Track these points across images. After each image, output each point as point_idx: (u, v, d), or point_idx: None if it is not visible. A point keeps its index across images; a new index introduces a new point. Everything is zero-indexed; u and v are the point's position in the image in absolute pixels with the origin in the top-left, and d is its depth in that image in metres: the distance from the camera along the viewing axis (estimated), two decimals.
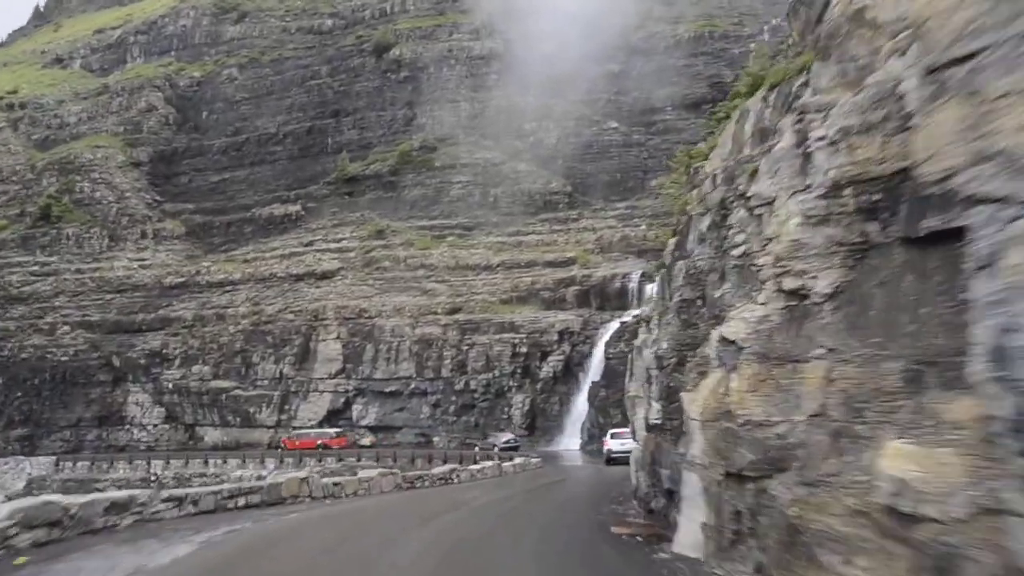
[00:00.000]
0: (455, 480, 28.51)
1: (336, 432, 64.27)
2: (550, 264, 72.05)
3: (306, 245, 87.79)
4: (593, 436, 55.02)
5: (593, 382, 56.67)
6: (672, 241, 16.19)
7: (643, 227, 75.17)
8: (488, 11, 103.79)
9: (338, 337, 73.49)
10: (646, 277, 62.49)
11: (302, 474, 20.53)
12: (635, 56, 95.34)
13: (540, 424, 59.62)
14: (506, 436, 56.27)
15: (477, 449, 54.24)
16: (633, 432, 20.16)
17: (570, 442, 57.45)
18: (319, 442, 62.24)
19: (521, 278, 70.94)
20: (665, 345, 12.91)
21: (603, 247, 73.67)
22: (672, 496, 12.10)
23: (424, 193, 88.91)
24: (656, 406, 12.29)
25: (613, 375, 53.22)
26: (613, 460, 36.94)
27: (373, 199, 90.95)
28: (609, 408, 52.34)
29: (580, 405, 57.70)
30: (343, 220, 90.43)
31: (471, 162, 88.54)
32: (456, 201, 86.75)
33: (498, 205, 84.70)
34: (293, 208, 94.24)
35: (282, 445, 64.59)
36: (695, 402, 10.16)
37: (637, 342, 19.35)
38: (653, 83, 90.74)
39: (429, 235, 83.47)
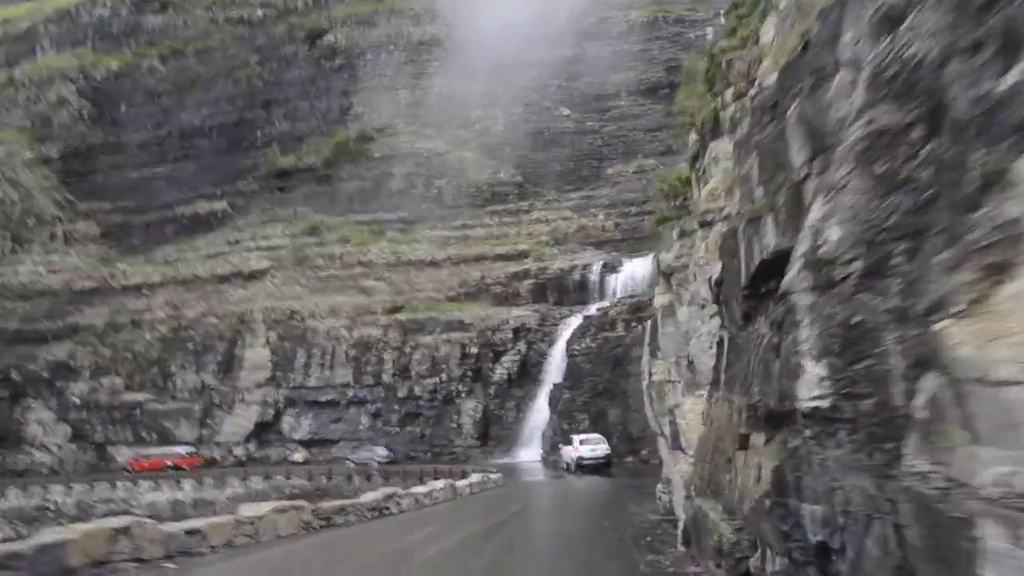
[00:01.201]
0: (393, 511, 21.13)
1: (188, 452, 58.66)
2: (501, 257, 65.86)
3: (232, 244, 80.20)
4: (555, 445, 48.92)
5: (554, 384, 50.65)
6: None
7: (600, 217, 69.61)
8: None
9: (267, 342, 66.17)
10: (608, 268, 56.85)
11: (115, 523, 12.04)
12: (587, 41, 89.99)
13: (494, 433, 53.17)
14: (380, 451, 50.05)
15: (350, 464, 48.13)
16: (677, 437, 13.82)
17: (529, 453, 51.28)
18: (168, 463, 56.42)
19: (469, 273, 64.65)
20: (838, 235, 6.02)
21: (558, 239, 67.75)
22: (828, 555, 5.69)
23: (362, 186, 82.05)
24: (814, 371, 5.67)
25: (578, 375, 47.33)
26: (583, 468, 34.63)
27: (306, 194, 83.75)
28: (575, 412, 46.47)
29: (540, 411, 51.55)
30: (274, 217, 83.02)
31: (412, 152, 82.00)
32: (397, 194, 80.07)
33: (443, 197, 78.32)
34: (219, 205, 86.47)
35: (129, 468, 57.95)
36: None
37: (663, 300, 13.18)
38: (607, 69, 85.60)
39: (367, 230, 76.58)
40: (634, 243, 63.04)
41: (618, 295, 51.67)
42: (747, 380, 8.51)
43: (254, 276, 73.89)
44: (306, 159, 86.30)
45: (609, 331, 46.77)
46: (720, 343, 11.75)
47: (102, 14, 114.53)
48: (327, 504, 18.65)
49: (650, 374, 28.47)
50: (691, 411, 15.80)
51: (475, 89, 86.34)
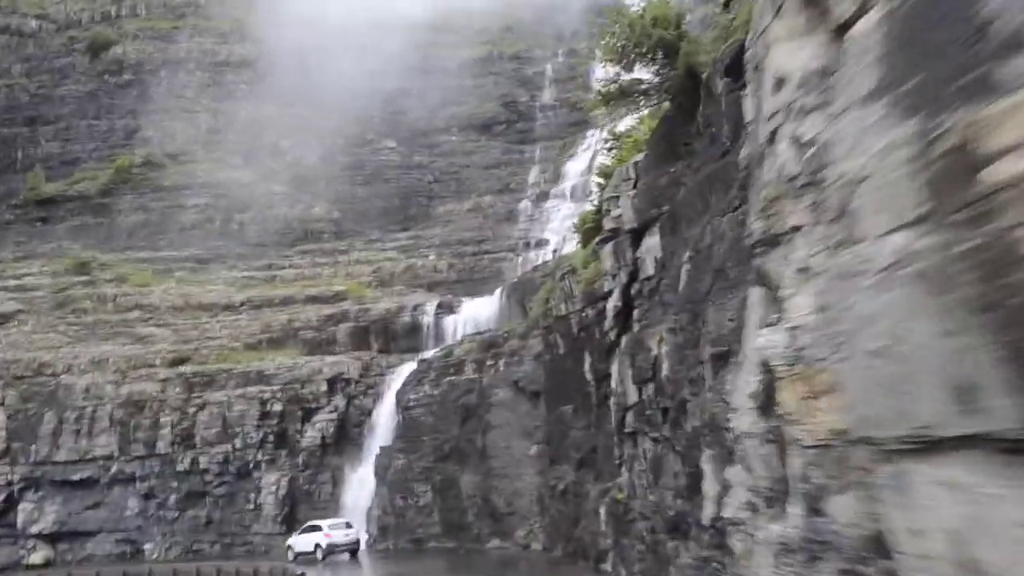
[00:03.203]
0: None
1: None
2: (313, 300, 55.28)
3: None
4: (387, 527, 38.85)
5: (382, 448, 40.46)
6: None
7: (432, 257, 60.88)
8: (238, 17, 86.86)
9: (2, 403, 51.39)
10: (444, 309, 47.97)
11: None
12: (414, 74, 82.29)
13: (304, 515, 41.87)
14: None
15: None
16: None
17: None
18: None
19: (275, 317, 53.48)
20: None
21: (382, 280, 58.18)
22: None
23: (146, 219, 69.04)
24: None
25: (415, 432, 37.66)
26: (335, 553, 34.95)
27: (76, 226, 69.54)
28: (412, 483, 36.64)
29: (364, 483, 41.09)
30: (31, 252, 67.94)
31: (211, 182, 70.07)
32: (189, 229, 67.73)
33: (245, 233, 66.93)
34: None
35: None
36: None
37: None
38: (436, 103, 78.19)
39: (150, 269, 63.56)
40: (471, 285, 54.70)
41: (460, 338, 42.80)
42: None
43: None
44: (78, 186, 72.14)
45: (455, 375, 37.54)
46: None
47: None
48: None
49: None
50: None
51: (287, 116, 76.08)
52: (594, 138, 67.81)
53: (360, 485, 40.84)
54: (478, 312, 46.44)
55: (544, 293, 32.67)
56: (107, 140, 76.73)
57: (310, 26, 79.39)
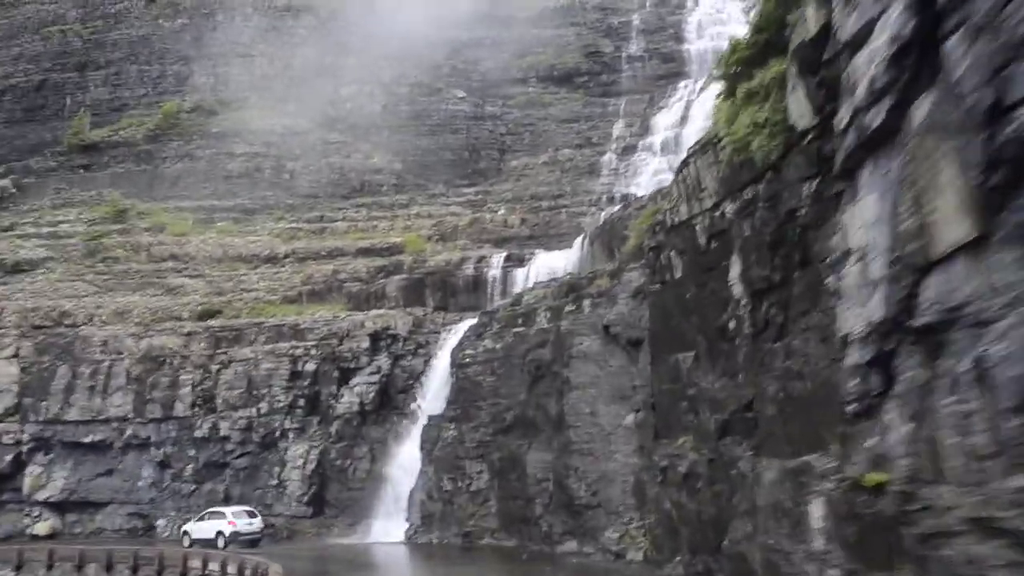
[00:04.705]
0: None
1: None
2: (365, 252, 48.21)
3: (5, 230, 59.43)
4: (431, 516, 31.27)
5: (431, 417, 32.83)
6: None
7: (502, 211, 53.27)
8: None
9: (16, 355, 45.80)
10: (513, 262, 40.22)
11: None
12: (486, 23, 74.90)
13: (333, 495, 34.71)
14: None
15: None
16: None
17: (389, 528, 33.15)
18: None
19: (320, 268, 46.62)
20: None
21: (444, 235, 50.70)
22: None
23: (192, 166, 63.28)
24: None
25: (471, 396, 29.86)
26: (239, 542, 32.37)
27: (118, 174, 64.29)
28: (463, 461, 28.86)
29: (407, 459, 33.51)
30: (69, 200, 62.93)
31: (262, 129, 63.95)
32: (236, 177, 61.68)
33: (296, 184, 60.59)
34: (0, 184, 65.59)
35: None
36: None
37: None
38: (511, 53, 70.75)
39: (191, 219, 57.66)
40: (547, 241, 46.86)
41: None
42: None
43: (20, 269, 53.45)
44: (123, 132, 66.98)
45: (524, 325, 29.47)
46: None
47: None
48: None
49: None
50: None
51: (349, 64, 69.70)
52: (687, 89, 60.01)
53: (402, 463, 33.27)
54: (554, 265, 38.53)
55: (645, 217, 24.54)
56: (157, 86, 71.60)
57: None
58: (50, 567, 29.01)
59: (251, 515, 34.33)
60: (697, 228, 17.34)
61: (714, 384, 16.34)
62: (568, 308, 27.36)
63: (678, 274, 18.58)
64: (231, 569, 21.61)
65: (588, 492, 25.68)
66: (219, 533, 32.96)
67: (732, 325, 15.48)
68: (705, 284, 17.24)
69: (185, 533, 34.60)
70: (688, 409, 17.74)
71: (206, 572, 22.78)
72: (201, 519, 34.73)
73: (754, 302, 14.43)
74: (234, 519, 33.63)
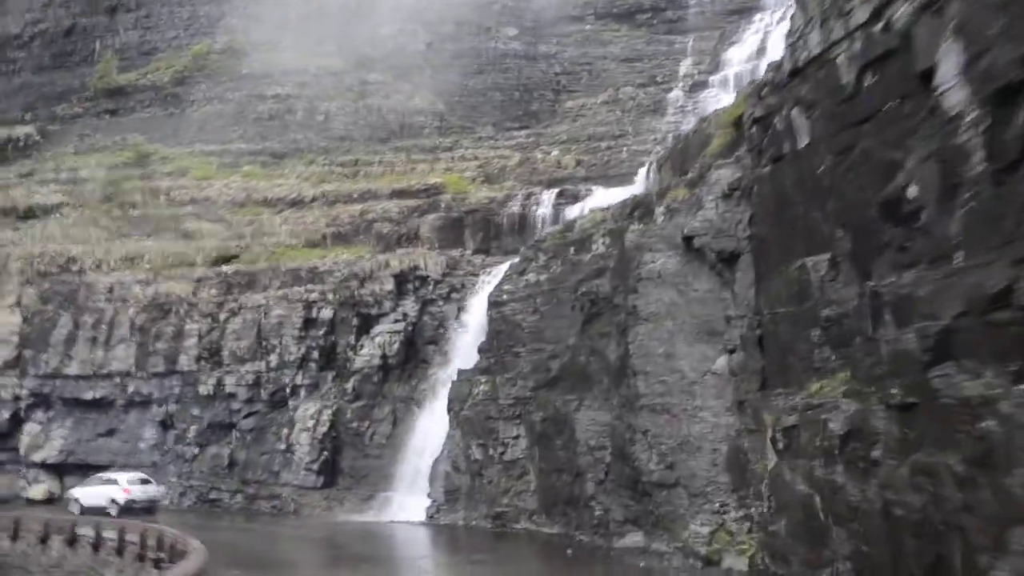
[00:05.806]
0: None
1: None
2: (399, 194, 42.79)
3: (24, 176, 55.78)
4: (457, 491, 25.73)
5: (461, 371, 27.22)
6: None
7: (555, 152, 47.37)
8: None
9: (18, 303, 41.76)
10: (567, 199, 34.28)
11: None
12: None
13: (348, 464, 29.40)
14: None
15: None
16: None
17: (410, 504, 27.73)
18: None
19: (348, 209, 41.43)
20: None
21: (490, 176, 44.99)
22: None
23: (220, 109, 58.70)
24: None
25: (506, 344, 24.12)
26: (133, 511, 29.47)
27: (145, 119, 60.24)
28: (497, 422, 23.11)
29: (433, 422, 28.03)
30: (93, 145, 59.04)
31: (295, 69, 59.04)
32: (267, 120, 56.89)
33: (330, 126, 55.59)
34: (23, 131, 62.00)
35: None
36: None
37: None
38: None
39: (216, 163, 53.07)
40: (605, 182, 40.87)
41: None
42: None
43: (32, 214, 49.60)
44: (151, 76, 62.78)
45: (578, 253, 23.35)
46: None
47: None
48: None
49: None
50: None
51: (389, 3, 64.38)
52: (763, 23, 53.44)
53: (426, 426, 27.77)
54: (614, 201, 32.45)
55: (733, 110, 18.37)
56: (188, 28, 67.28)
57: None
58: None
59: (144, 481, 32.59)
60: (840, 61, 11.35)
61: (898, 281, 10.16)
62: (634, 226, 20.99)
63: (803, 141, 12.63)
64: (150, 542, 17.17)
65: (661, 465, 18.85)
66: (112, 501, 31.03)
67: (914, 191, 9.50)
68: (851, 147, 11.27)
69: (75, 500, 32.38)
70: (823, 339, 11.79)
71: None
72: (92, 484, 32.74)
73: (995, 114, 8.47)
74: (129, 486, 31.85)
